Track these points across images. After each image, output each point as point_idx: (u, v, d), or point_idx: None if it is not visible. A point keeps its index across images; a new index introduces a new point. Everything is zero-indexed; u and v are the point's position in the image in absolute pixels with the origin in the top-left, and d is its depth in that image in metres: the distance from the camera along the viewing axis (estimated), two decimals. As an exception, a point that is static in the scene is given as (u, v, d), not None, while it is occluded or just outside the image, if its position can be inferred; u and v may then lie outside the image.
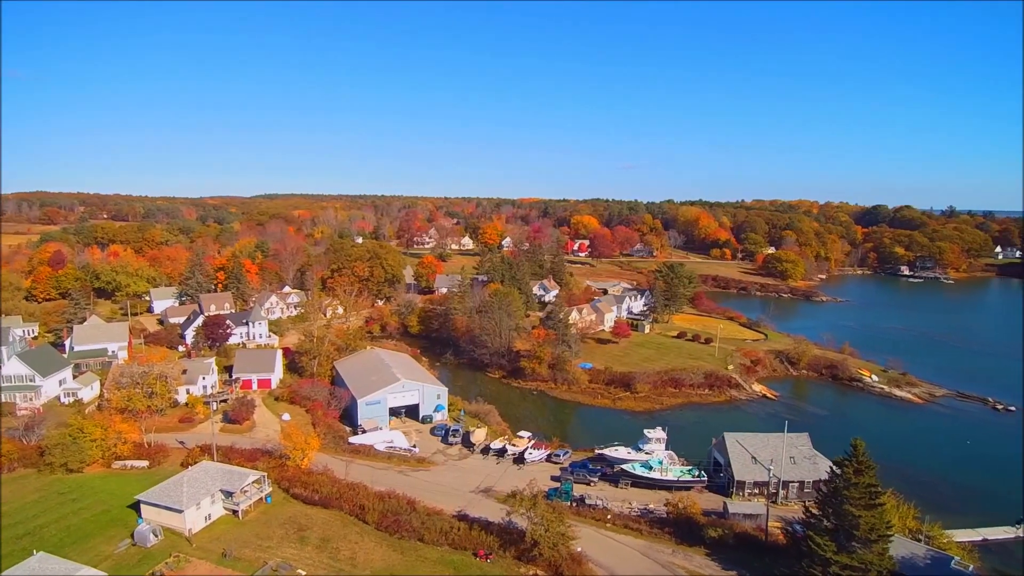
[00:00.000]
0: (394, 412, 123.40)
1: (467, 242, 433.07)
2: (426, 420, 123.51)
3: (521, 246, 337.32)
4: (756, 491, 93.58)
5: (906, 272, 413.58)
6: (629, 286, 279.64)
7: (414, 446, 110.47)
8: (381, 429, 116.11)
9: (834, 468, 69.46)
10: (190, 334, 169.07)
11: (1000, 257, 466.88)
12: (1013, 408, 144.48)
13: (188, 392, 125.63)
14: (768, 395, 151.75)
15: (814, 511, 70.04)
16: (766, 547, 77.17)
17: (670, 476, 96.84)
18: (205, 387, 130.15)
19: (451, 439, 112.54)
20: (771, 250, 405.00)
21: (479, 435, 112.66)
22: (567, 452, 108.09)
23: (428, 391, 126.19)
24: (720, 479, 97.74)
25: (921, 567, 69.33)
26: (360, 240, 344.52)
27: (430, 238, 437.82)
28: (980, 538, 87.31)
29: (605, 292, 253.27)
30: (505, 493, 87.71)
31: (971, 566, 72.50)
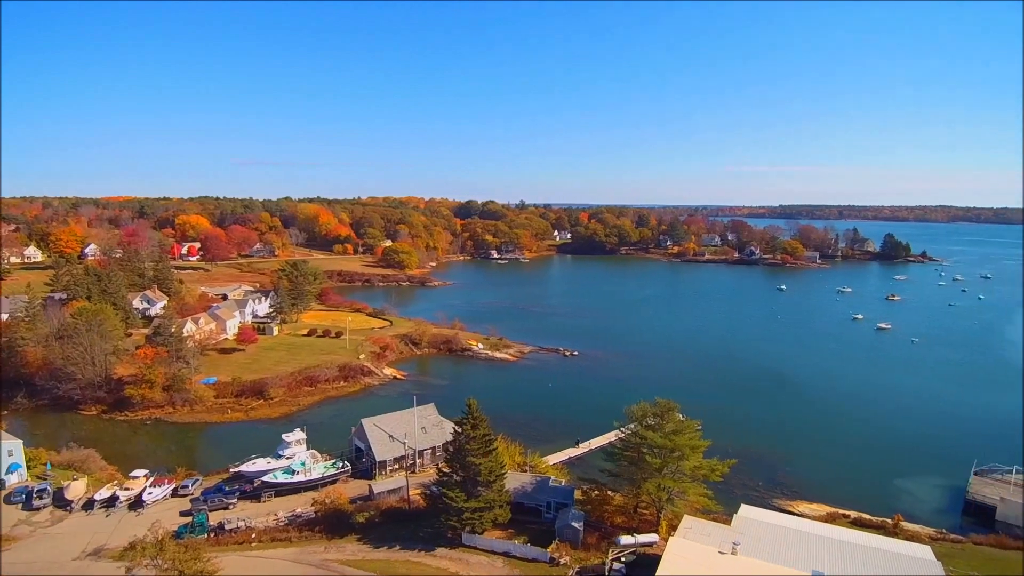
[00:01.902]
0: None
1: (33, 253, 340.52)
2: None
3: (112, 253, 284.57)
4: (397, 466, 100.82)
5: (495, 255, 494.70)
6: (252, 289, 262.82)
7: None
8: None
9: (456, 428, 79.88)
10: None
11: (557, 239, 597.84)
12: (576, 352, 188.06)
13: None
14: (398, 376, 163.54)
15: (445, 470, 79.52)
16: (410, 515, 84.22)
17: (314, 475, 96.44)
18: None
19: (37, 502, 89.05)
20: (388, 243, 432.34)
21: (77, 488, 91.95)
22: (197, 480, 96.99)
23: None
24: (363, 464, 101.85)
25: (530, 492, 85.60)
26: None
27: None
28: (566, 457, 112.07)
29: (225, 297, 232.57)
30: (123, 547, 74.48)
31: (563, 480, 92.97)
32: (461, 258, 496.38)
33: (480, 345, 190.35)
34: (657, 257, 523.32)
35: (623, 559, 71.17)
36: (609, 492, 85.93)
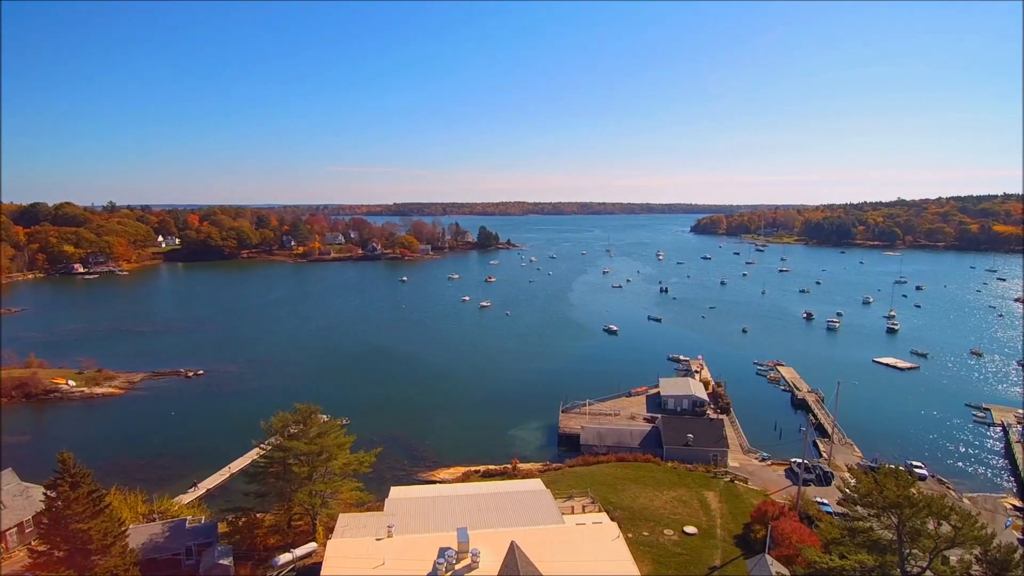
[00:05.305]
0: None
1: None
2: None
3: None
4: (-44, 565, 75.68)
5: (81, 270, 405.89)
6: None
7: None
8: None
9: (48, 493, 64.30)
10: None
11: (163, 245, 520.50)
12: (202, 372, 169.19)
13: None
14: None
15: (40, 548, 63.49)
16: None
17: None
18: None
19: None
20: None
21: None
22: None
23: None
24: None
25: (163, 542, 74.13)
26: None
27: None
28: (203, 491, 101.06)
29: None
30: None
31: (203, 517, 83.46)
32: (31, 276, 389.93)
33: (71, 382, 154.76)
34: (283, 259, 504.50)
35: (282, 579, 68.83)
36: (258, 515, 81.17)
